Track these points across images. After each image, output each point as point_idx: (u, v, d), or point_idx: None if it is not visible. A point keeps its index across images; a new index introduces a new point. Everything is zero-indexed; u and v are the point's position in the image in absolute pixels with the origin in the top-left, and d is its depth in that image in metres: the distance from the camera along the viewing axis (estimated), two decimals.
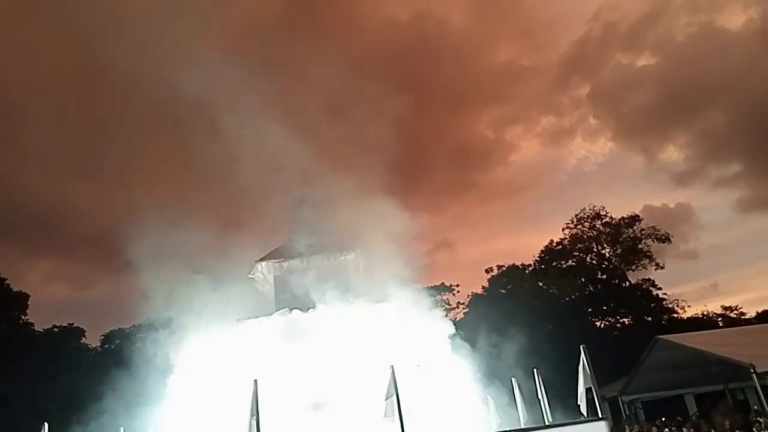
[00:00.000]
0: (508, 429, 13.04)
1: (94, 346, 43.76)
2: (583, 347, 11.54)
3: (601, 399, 12.06)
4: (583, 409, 11.87)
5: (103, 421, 12.64)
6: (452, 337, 15.98)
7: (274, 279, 13.98)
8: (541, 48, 73.58)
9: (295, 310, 13.68)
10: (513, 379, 15.36)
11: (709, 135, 62.03)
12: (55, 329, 41.33)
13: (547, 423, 13.13)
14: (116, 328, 44.52)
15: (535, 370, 14.23)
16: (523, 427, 13.74)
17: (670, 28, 65.90)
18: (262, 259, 14.13)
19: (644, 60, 71.75)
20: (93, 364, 36.94)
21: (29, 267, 58.72)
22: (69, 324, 42.43)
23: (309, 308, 13.74)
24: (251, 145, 15.96)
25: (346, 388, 12.15)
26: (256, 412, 9.38)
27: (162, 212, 15.19)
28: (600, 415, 10.85)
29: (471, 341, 17.40)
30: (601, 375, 11.87)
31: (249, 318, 13.06)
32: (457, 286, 42.86)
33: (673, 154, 71.22)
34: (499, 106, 72.43)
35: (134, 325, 44.07)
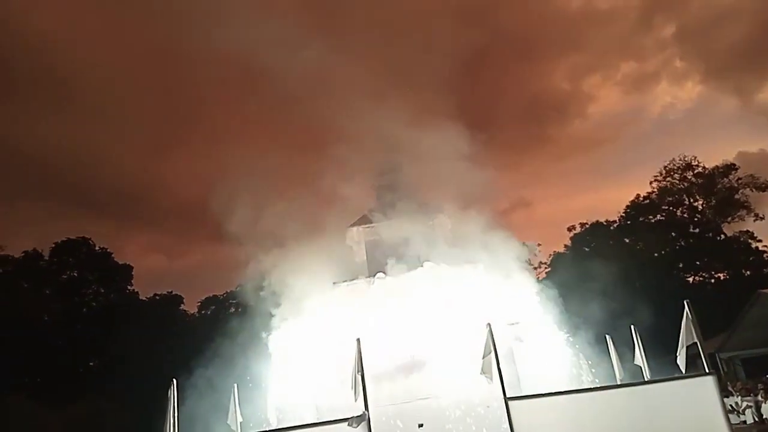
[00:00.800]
0: (612, 383, 12.97)
1: (192, 312, 46.64)
2: (687, 302, 11.18)
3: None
4: (682, 365, 11.58)
5: (213, 379, 13.64)
6: (539, 295, 15.90)
7: (366, 243, 14.35)
8: None
9: (387, 273, 14.04)
10: (607, 335, 15.13)
11: None
12: (157, 297, 44.29)
13: (646, 379, 12.92)
14: (210, 295, 47.22)
15: (632, 326, 13.95)
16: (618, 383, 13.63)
17: None
18: (353, 225, 14.52)
19: None
20: (193, 328, 39.69)
21: (126, 241, 63.17)
22: (168, 292, 45.37)
23: (401, 270, 14.05)
24: (333, 111, 16.27)
25: (442, 348, 12.43)
26: (360, 369, 9.83)
27: (249, 181, 15.76)
28: (707, 370, 10.53)
29: (555, 300, 17.22)
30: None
31: (344, 281, 13.54)
32: (539, 245, 42.15)
33: None
34: (575, 54, 68.92)
35: (227, 292, 46.82)
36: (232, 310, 45.49)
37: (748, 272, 37.64)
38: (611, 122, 67.90)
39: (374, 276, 13.91)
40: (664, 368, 14.23)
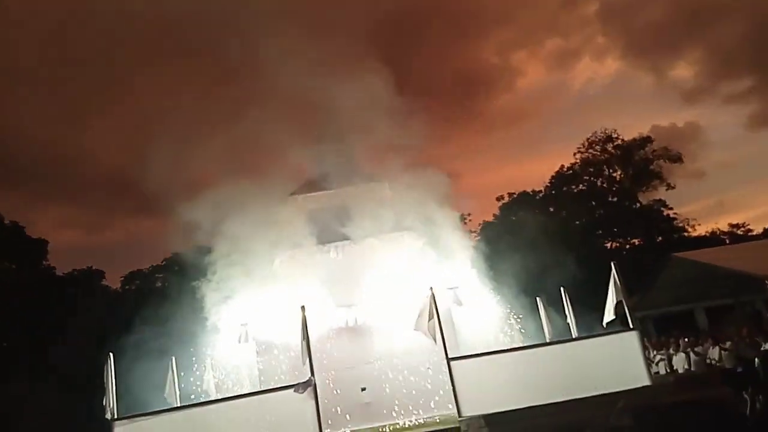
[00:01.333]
0: (545, 341, 13.61)
1: (114, 287, 44.74)
2: (614, 263, 11.86)
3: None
4: (607, 321, 12.31)
5: (151, 353, 13.20)
6: (473, 262, 16.35)
7: (308, 212, 14.13)
8: None
9: (329, 242, 13.95)
10: (537, 298, 15.82)
11: (722, 48, 60.41)
12: (75, 272, 42.09)
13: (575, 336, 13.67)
14: (135, 270, 45.39)
15: (561, 288, 14.64)
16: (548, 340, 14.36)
17: None
18: (293, 193, 14.24)
19: None
20: (119, 303, 38.08)
21: (40, 214, 59.27)
22: (88, 267, 43.19)
23: (342, 239, 13.99)
24: (266, 78, 15.76)
25: (385, 313, 12.57)
26: (306, 336, 9.79)
27: (176, 152, 15.07)
28: (631, 327, 11.24)
29: (486, 266, 17.74)
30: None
31: (286, 250, 13.31)
32: (469, 215, 43.31)
33: (683, 71, 69.77)
34: (504, 29, 70.21)
35: (152, 266, 45.12)
36: (159, 284, 44.05)
37: (660, 238, 40.46)
38: (537, 96, 70.32)
39: (317, 245, 13.78)
40: (586, 326, 15.15)
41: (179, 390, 11.86)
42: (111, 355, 8.98)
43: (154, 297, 32.72)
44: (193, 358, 12.90)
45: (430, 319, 10.48)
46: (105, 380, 9.21)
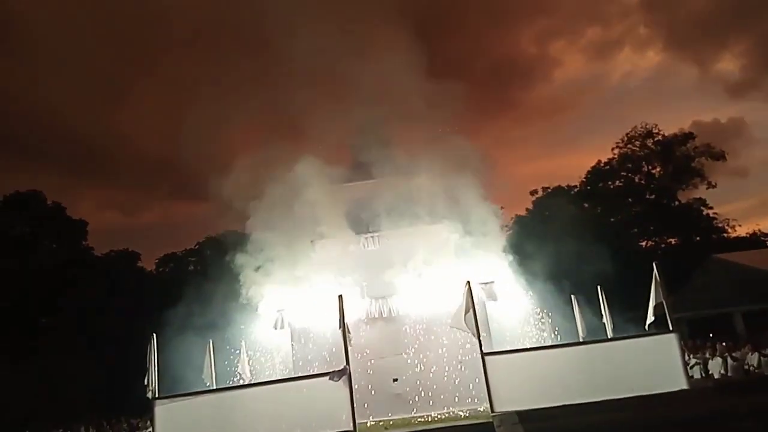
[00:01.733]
0: (578, 339, 13.48)
1: (149, 269, 45.83)
2: (655, 263, 11.62)
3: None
4: (649, 322, 12.09)
5: (190, 335, 13.52)
6: (506, 256, 16.23)
7: (345, 201, 14.22)
8: None
9: (367, 232, 14.06)
10: (572, 296, 15.62)
11: None
12: (113, 253, 43.21)
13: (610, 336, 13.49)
14: (169, 253, 46.37)
15: (599, 287, 14.43)
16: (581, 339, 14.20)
17: None
18: (333, 182, 14.34)
19: None
20: (152, 285, 39.03)
21: (80, 195, 60.94)
22: (125, 249, 44.30)
23: (378, 229, 14.06)
24: (304, 64, 15.80)
25: (419, 305, 12.63)
26: (343, 324, 9.91)
27: (213, 134, 15.26)
28: (671, 329, 11.04)
29: (518, 261, 17.57)
30: (646, 294, 12.00)
31: (323, 239, 13.45)
32: (502, 208, 42.72)
33: (728, 63, 67.43)
34: (542, 17, 68.79)
35: (186, 249, 46.05)
36: (191, 267, 44.93)
37: (698, 238, 39.41)
38: (574, 88, 68.82)
39: (354, 235, 13.88)
40: (618, 325, 14.93)
41: (215, 372, 12.15)
42: (154, 335, 9.22)
43: (189, 279, 33.46)
44: (230, 342, 13.16)
45: (466, 313, 10.46)
46: (147, 360, 9.49)
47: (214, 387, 11.63)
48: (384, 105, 16.36)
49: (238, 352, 12.99)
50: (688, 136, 41.63)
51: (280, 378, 11.37)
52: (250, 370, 12.76)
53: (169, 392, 10.29)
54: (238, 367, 12.71)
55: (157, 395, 9.58)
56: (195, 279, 30.67)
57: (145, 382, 9.75)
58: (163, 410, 9.42)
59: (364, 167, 14.46)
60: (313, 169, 14.12)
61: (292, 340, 12.68)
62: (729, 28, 62.25)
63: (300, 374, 11.13)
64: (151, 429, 16.65)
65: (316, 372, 10.63)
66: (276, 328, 12.42)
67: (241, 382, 12.08)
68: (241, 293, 13.50)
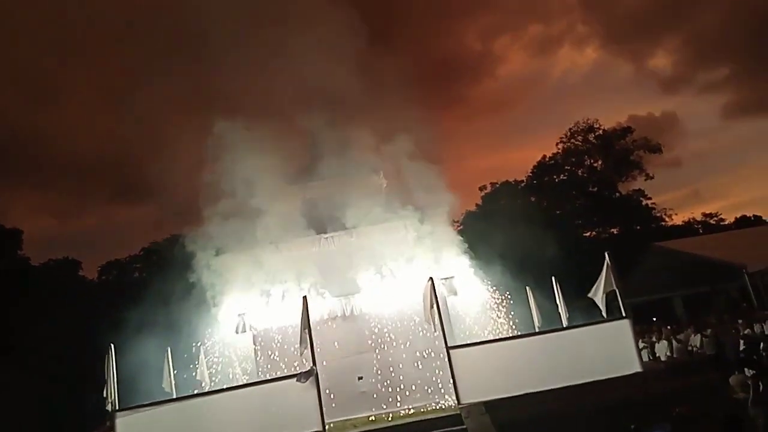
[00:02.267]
0: (534, 329, 13.83)
1: (91, 278, 44.00)
2: (607, 253, 12.05)
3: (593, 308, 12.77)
4: (603, 309, 12.53)
5: (145, 344, 13.06)
6: (461, 250, 16.48)
7: (303, 202, 14.07)
8: None
9: (324, 232, 13.96)
10: (527, 287, 16.03)
11: (701, 37, 61.38)
12: (52, 262, 41.30)
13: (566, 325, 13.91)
14: (113, 260, 44.65)
15: (553, 277, 14.85)
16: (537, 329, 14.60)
17: None
18: (289, 182, 14.14)
19: None
20: (97, 295, 37.47)
21: (12, 202, 57.65)
22: (64, 257, 42.40)
23: (337, 228, 13.99)
24: (246, 68, 15.48)
25: (381, 302, 12.65)
26: (307, 325, 9.80)
27: (152, 137, 14.74)
28: (623, 315, 11.47)
29: (472, 255, 17.89)
30: (590, 282, 12.49)
31: (279, 240, 13.24)
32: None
33: (661, 59, 70.74)
34: (488, 14, 70.09)
35: (129, 256, 44.43)
36: (136, 274, 43.44)
37: (638, 227, 41.23)
38: (518, 84, 70.62)
39: (312, 234, 13.76)
40: (571, 314, 15.44)
41: (175, 380, 11.79)
42: (112, 345, 8.85)
43: (135, 287, 32.28)
44: (188, 349, 12.79)
45: (430, 308, 10.57)
46: (105, 371, 9.10)
47: (175, 396, 11.27)
48: (334, 103, 16.31)
49: (197, 359, 12.64)
50: (626, 130, 43.53)
51: (245, 383, 11.16)
52: (210, 376, 12.45)
53: (127, 404, 9.90)
54: (197, 374, 12.36)
55: (117, 407, 9.21)
56: (142, 286, 29.67)
57: (104, 394, 9.35)
58: (124, 423, 9.05)
59: (317, 166, 14.34)
60: (266, 168, 13.87)
61: (254, 344, 12.47)
62: (662, 25, 65.40)
63: (265, 377, 10.93)
64: None
65: (281, 375, 10.48)
66: (238, 332, 12.16)
67: (204, 388, 11.78)
68: (198, 298, 13.14)
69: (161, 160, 14.83)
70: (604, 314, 12.32)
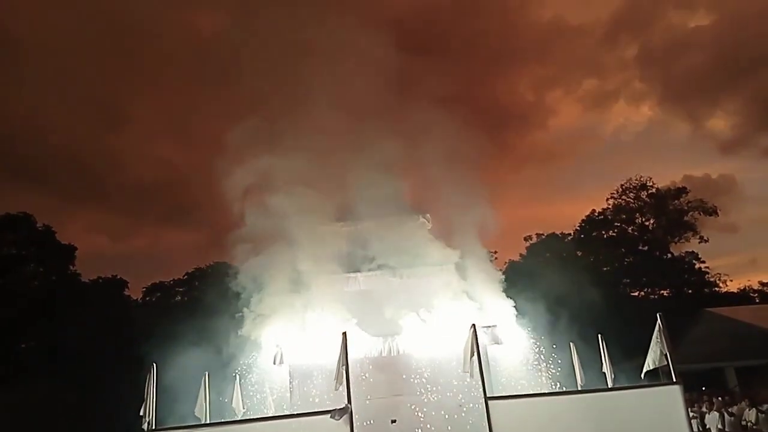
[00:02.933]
0: (587, 388, 13.29)
1: (135, 298, 45.16)
2: (659, 315, 11.59)
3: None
4: (644, 373, 11.97)
5: (184, 367, 13.19)
6: (503, 300, 16.16)
7: (348, 239, 14.19)
8: (591, 3, 70.73)
9: (368, 270, 14.00)
10: (571, 343, 15.51)
11: (761, 100, 59.66)
12: (100, 280, 42.65)
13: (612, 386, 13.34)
14: (157, 282, 45.82)
15: (599, 335, 14.35)
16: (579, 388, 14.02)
17: None
18: (336, 220, 14.31)
19: (698, 19, 69.14)
20: (138, 315, 38.35)
21: (69, 218, 60.24)
22: (113, 276, 43.74)
23: (381, 268, 14.01)
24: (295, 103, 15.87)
25: (420, 346, 12.48)
26: (345, 362, 9.71)
27: (204, 169, 15.14)
28: (674, 380, 10.92)
29: (514, 306, 17.53)
30: (640, 345, 11.93)
31: (323, 276, 13.32)
32: (495, 252, 43.01)
33: (720, 120, 69.08)
34: (541, 66, 70.34)
35: (173, 280, 45.51)
36: (178, 298, 44.37)
37: (690, 291, 39.60)
38: (570, 137, 69.90)
39: (355, 272, 13.82)
40: (615, 375, 14.80)
41: (209, 406, 11.80)
42: (155, 365, 8.98)
43: (176, 310, 32.85)
44: (226, 377, 12.85)
45: (471, 356, 10.33)
46: (146, 390, 9.21)
47: (208, 421, 11.27)
48: (382, 143, 16.54)
49: (233, 387, 12.66)
50: (681, 191, 42.42)
51: (278, 414, 11.08)
52: (245, 405, 12.42)
53: (161, 425, 9.95)
54: (231, 402, 12.36)
55: (154, 427, 9.27)
56: (184, 309, 30.24)
57: (141, 413, 9.43)
58: None
59: (363, 206, 14.46)
60: (314, 204, 14.09)
61: (291, 377, 12.42)
62: (722, 86, 64.14)
63: (299, 412, 10.83)
64: None
65: (315, 410, 10.34)
66: (275, 363, 12.16)
67: (235, 417, 11.74)
68: (238, 326, 13.27)
69: (210, 190, 15.22)
70: (642, 376, 11.80)
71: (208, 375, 11.71)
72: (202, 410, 11.75)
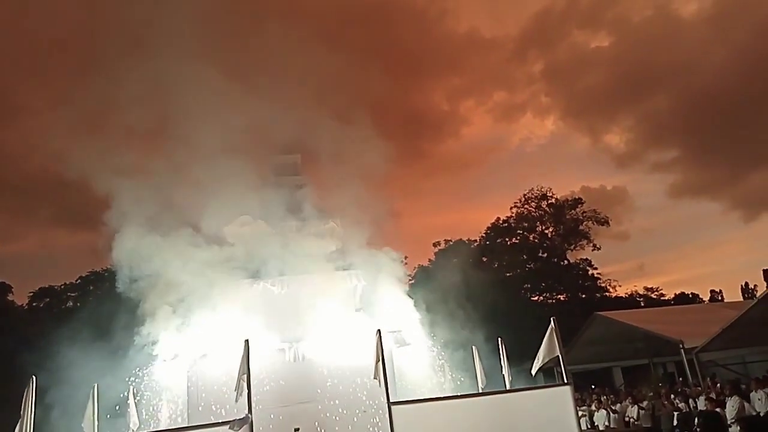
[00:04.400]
0: (478, 389, 13.73)
1: (20, 303, 41.73)
2: (553, 319, 12.18)
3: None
4: (534, 372, 12.58)
5: (71, 377, 12.25)
6: (411, 305, 16.46)
7: (251, 243, 13.78)
8: (503, 18, 73.98)
9: (271, 275, 13.71)
10: (473, 347, 16.00)
11: (653, 119, 65.05)
12: None
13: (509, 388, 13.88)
14: (46, 286, 42.64)
15: (499, 339, 14.90)
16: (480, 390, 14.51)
17: (628, 8, 68.09)
18: (232, 223, 13.83)
19: (600, 40, 74.17)
20: (26, 322, 35.41)
21: None
22: None
23: (286, 273, 13.77)
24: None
25: (324, 352, 12.38)
26: (247, 370, 9.44)
27: (102, 163, 14.23)
28: (565, 381, 11.55)
29: (421, 311, 17.90)
30: (535, 346, 12.62)
31: (224, 281, 12.88)
32: (406, 257, 43.67)
33: (616, 136, 74.53)
34: (456, 76, 72.69)
35: (65, 284, 42.45)
36: (70, 303, 41.50)
37: (584, 295, 42.29)
38: (479, 147, 72.75)
39: (259, 277, 13.50)
40: (513, 376, 15.48)
41: (98, 420, 11.04)
42: (34, 377, 8.26)
43: (67, 316, 30.62)
44: (116, 388, 12.06)
45: (377, 362, 10.38)
46: (23, 405, 8.44)
47: None
48: (298, 144, 16.33)
49: (126, 398, 11.92)
50: (577, 201, 45.33)
51: (175, 427, 10.56)
52: (140, 419, 11.74)
53: None
54: (127, 415, 11.63)
55: None
56: (75, 316, 28.21)
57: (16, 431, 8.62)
58: None
59: (272, 207, 14.18)
60: (216, 207, 13.63)
61: (188, 386, 11.90)
62: (619, 104, 69.19)
63: (198, 423, 10.38)
64: None
65: (214, 420, 9.98)
66: (170, 373, 11.60)
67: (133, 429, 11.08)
68: (134, 333, 12.54)
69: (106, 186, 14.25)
70: (532, 374, 12.41)
71: (97, 387, 10.93)
72: (90, 425, 10.96)
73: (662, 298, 48.38)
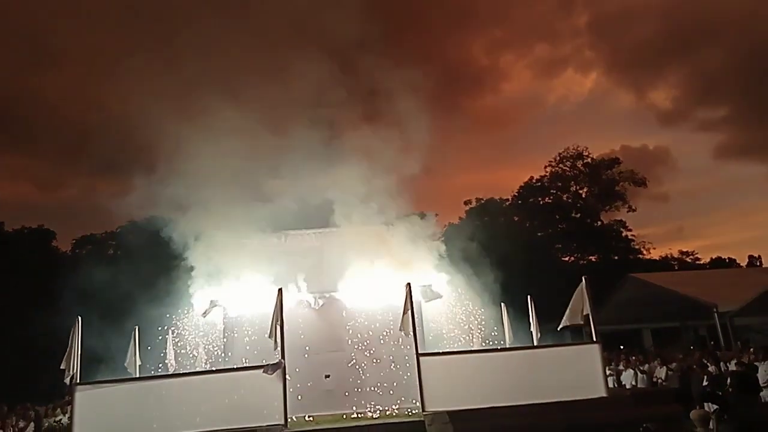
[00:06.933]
0: (508, 346, 13.88)
1: (64, 250, 43.38)
2: (585, 277, 12.15)
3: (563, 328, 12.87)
4: (560, 327, 12.63)
5: (113, 321, 12.83)
6: (441, 261, 16.51)
7: (285, 196, 13.91)
8: None
9: (304, 228, 13.91)
10: (502, 303, 16.09)
11: (704, 75, 62.03)
12: (25, 230, 40.70)
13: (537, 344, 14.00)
14: (88, 234, 44.11)
15: (528, 296, 14.94)
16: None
17: None
18: (275, 177, 13.98)
19: None
20: (69, 267, 36.87)
21: None
22: (39, 226, 41.83)
23: (320, 226, 13.95)
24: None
25: (357, 303, 12.62)
26: (280, 318, 9.74)
27: (145, 115, 14.38)
28: (594, 340, 11.59)
29: (450, 267, 17.92)
30: (564, 308, 12.57)
31: (261, 233, 13.12)
32: (436, 215, 43.57)
33: (662, 92, 71.54)
34: (497, 29, 70.15)
35: (105, 232, 43.85)
36: (111, 251, 42.91)
37: (616, 257, 41.78)
38: (518, 103, 70.60)
39: (294, 229, 13.71)
40: (542, 335, 15.55)
41: (140, 360, 11.62)
42: (80, 318, 8.68)
43: (108, 263, 31.79)
44: (157, 331, 12.58)
45: (404, 314, 10.57)
46: (70, 343, 8.92)
47: (138, 375, 11.10)
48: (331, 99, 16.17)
49: (164, 340, 12.46)
50: (614, 161, 44.23)
51: (211, 369, 11.04)
52: (178, 360, 12.30)
53: (87, 380, 9.71)
54: (165, 356, 12.20)
55: (78, 381, 9.03)
56: (115, 263, 29.27)
57: (63, 367, 9.15)
58: (83, 397, 8.88)
59: (305, 160, 14.20)
60: (253, 160, 13.71)
61: (225, 331, 12.35)
62: (668, 59, 66.10)
63: (233, 366, 10.82)
64: (61, 417, 15.74)
65: (248, 364, 10.37)
66: (205, 316, 12.03)
67: (168, 372, 11.62)
68: (172, 280, 12.97)
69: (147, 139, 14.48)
70: (558, 329, 12.45)
71: (138, 329, 11.45)
72: (132, 364, 11.55)
73: (698, 262, 47.51)
